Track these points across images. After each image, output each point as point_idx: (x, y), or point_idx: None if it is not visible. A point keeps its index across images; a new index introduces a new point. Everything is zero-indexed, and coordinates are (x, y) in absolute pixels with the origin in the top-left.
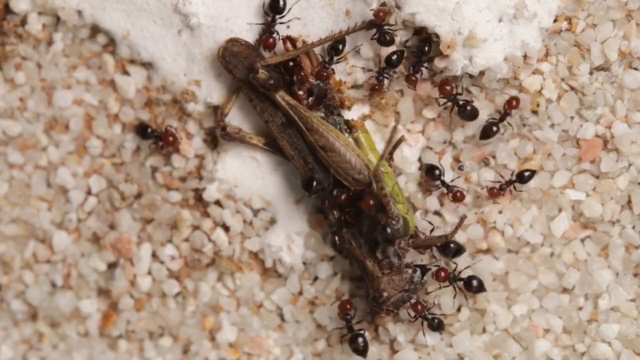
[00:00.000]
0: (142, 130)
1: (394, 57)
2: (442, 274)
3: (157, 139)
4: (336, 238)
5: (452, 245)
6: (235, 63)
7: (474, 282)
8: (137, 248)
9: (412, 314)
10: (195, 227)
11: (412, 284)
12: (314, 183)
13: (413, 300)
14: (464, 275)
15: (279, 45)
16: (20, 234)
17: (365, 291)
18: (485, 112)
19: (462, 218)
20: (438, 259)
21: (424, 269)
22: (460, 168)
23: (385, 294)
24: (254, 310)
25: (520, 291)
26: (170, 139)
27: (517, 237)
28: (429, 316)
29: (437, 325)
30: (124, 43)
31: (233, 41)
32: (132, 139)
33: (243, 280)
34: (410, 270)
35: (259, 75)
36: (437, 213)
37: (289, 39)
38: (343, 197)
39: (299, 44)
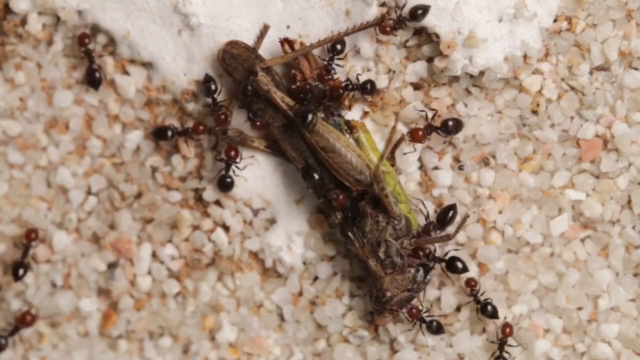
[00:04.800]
0: (162, 133)
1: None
2: (472, 283)
3: (180, 134)
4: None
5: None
6: (235, 66)
7: (458, 264)
8: (137, 248)
9: (410, 319)
10: (195, 227)
11: (415, 283)
12: (315, 175)
13: (408, 307)
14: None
15: (278, 48)
16: (21, 234)
17: (369, 291)
18: (485, 112)
19: (465, 217)
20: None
21: (427, 268)
22: (461, 168)
23: (388, 294)
24: (254, 310)
25: (520, 291)
26: (222, 117)
27: (517, 237)
28: (428, 319)
29: (436, 329)
30: (124, 43)
31: (232, 44)
32: (132, 138)
33: (243, 280)
34: (413, 270)
35: (258, 78)
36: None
37: (286, 41)
38: (341, 197)
39: (296, 46)
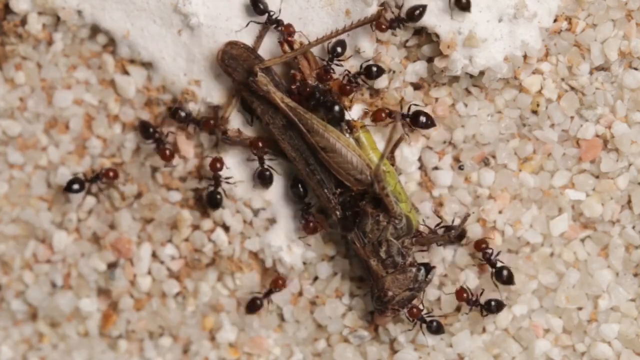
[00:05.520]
0: (144, 129)
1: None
2: (464, 295)
3: (157, 143)
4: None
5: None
6: (235, 66)
7: (505, 272)
8: (137, 248)
9: (410, 318)
10: (195, 227)
11: (417, 282)
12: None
13: (409, 306)
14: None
15: (277, 48)
16: (20, 234)
17: (370, 290)
18: (485, 112)
19: (466, 216)
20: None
21: (428, 267)
22: (461, 168)
23: (390, 293)
24: None
25: (520, 291)
26: (167, 153)
27: (517, 237)
28: (428, 319)
29: (436, 329)
30: (124, 43)
31: (232, 44)
32: (132, 138)
33: (243, 280)
34: (414, 269)
35: (257, 78)
36: (437, 214)
37: (286, 41)
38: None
39: (296, 46)
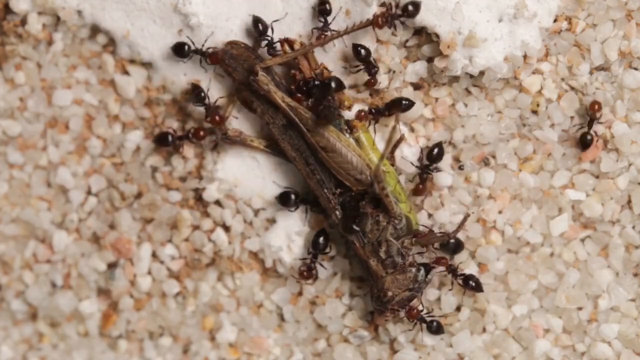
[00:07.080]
0: (197, 93)
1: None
2: (443, 261)
3: (206, 107)
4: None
5: (451, 241)
6: (235, 66)
7: (471, 282)
8: (137, 248)
9: (410, 319)
10: (195, 227)
11: (417, 282)
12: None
13: (407, 307)
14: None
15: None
16: (20, 234)
17: (370, 291)
18: (485, 112)
19: (466, 216)
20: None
21: (428, 268)
22: (461, 168)
23: (389, 293)
24: (254, 310)
25: (520, 291)
26: (217, 118)
27: (517, 237)
28: (428, 319)
29: (436, 329)
30: (124, 43)
31: (232, 44)
32: (132, 138)
33: (243, 280)
34: (414, 269)
35: (258, 78)
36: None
37: (286, 41)
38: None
39: (296, 46)
